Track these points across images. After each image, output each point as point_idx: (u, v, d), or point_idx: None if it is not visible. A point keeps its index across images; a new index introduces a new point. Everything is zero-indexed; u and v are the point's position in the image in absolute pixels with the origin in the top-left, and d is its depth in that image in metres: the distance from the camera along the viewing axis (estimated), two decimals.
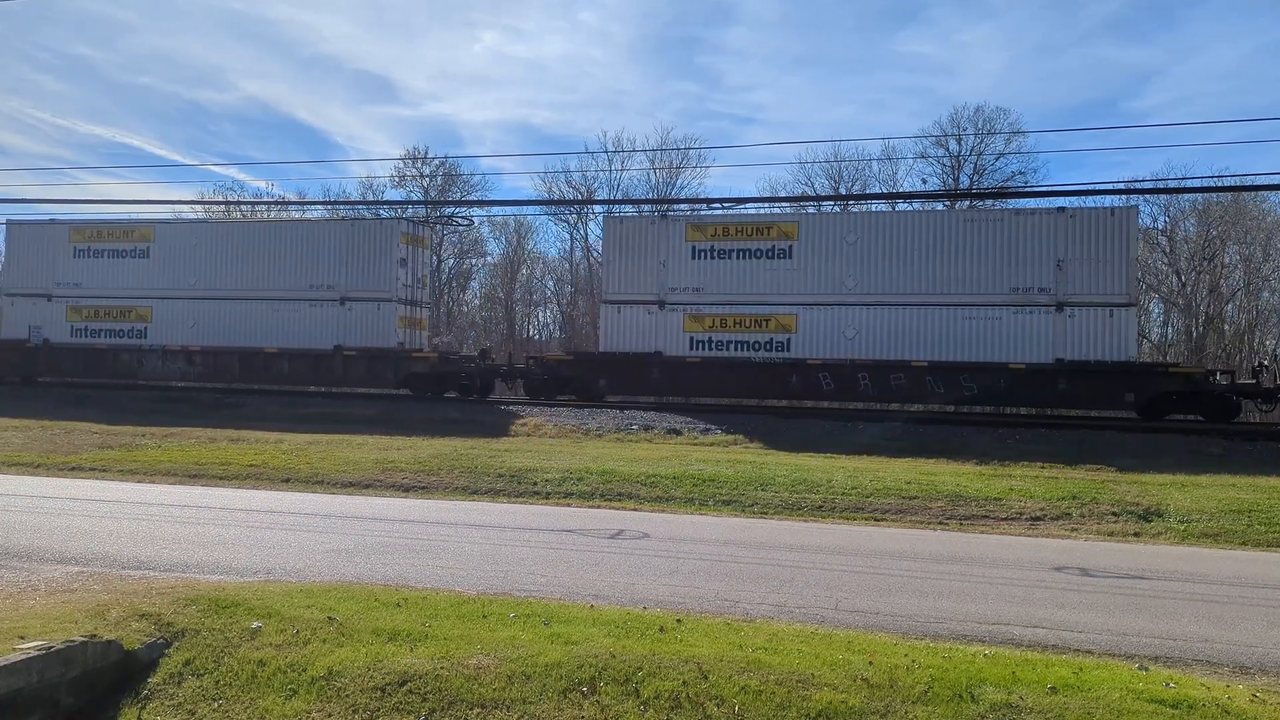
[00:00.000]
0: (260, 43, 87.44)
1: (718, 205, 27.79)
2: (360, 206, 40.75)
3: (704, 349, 23.01)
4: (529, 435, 20.30)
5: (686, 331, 23.12)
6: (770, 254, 22.63)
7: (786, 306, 22.46)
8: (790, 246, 22.45)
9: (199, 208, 43.45)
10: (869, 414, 22.39)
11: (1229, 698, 5.60)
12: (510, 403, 24.71)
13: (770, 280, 22.55)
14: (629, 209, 43.34)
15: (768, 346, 22.63)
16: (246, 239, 26.84)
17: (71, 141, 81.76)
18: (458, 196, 47.99)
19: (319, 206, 44.27)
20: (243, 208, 46.10)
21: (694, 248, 23.12)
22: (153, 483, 14.85)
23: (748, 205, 27.21)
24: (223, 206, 45.45)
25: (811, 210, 26.48)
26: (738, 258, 22.87)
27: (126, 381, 27.50)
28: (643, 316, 23.38)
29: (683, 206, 33.97)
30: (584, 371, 24.43)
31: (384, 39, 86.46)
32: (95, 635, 6.40)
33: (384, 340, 25.48)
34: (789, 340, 22.47)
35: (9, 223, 29.22)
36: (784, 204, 32.71)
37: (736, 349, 22.80)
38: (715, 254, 22.98)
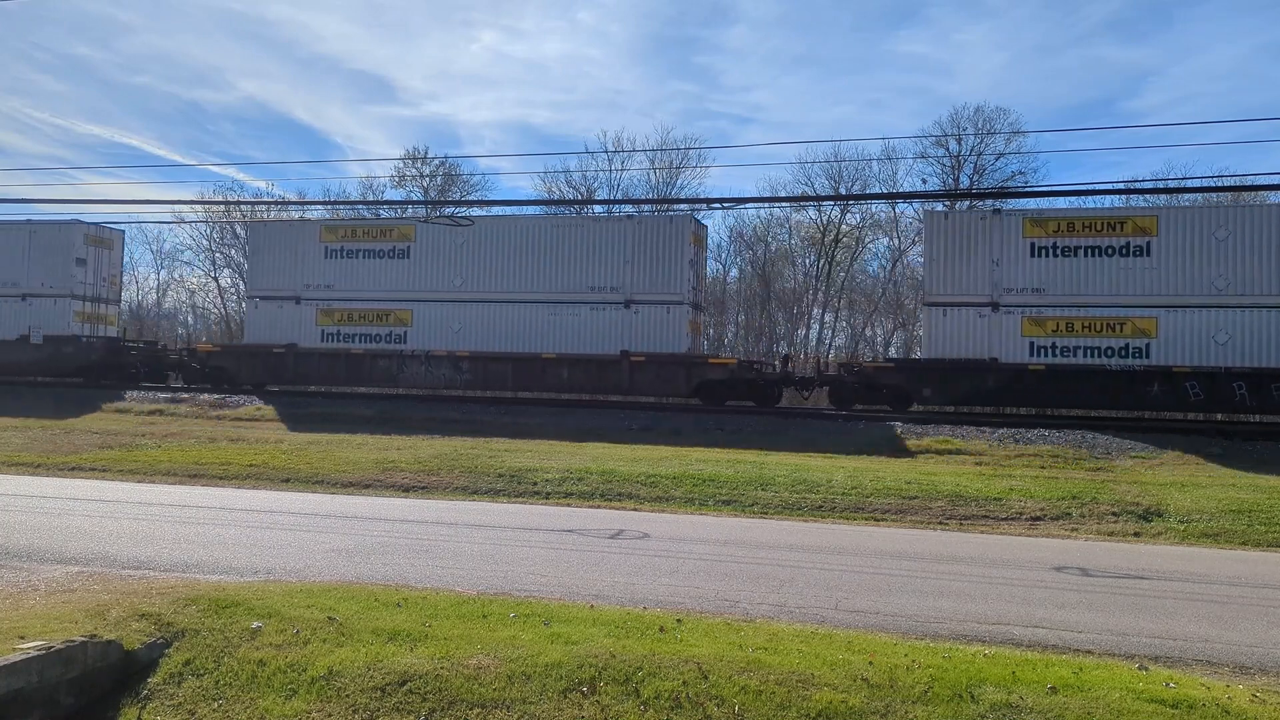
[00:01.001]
0: (258, 42, 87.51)
1: (718, 205, 27.90)
2: (360, 206, 40.76)
3: (1046, 355, 21.48)
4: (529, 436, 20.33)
5: (1025, 336, 21.56)
6: (1125, 251, 21.04)
7: (1143, 309, 20.86)
8: (1148, 243, 20.85)
9: (213, 207, 43.48)
10: (869, 414, 22.39)
11: (1229, 698, 5.60)
12: (803, 413, 23.18)
13: (1125, 280, 21.03)
14: (683, 208, 43.43)
15: (1122, 353, 21.04)
16: (518, 238, 25.04)
17: (70, 141, 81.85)
18: (458, 196, 48.03)
19: (319, 206, 44.26)
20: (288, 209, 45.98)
21: (1033, 244, 21.61)
22: (152, 483, 14.85)
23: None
24: (223, 207, 45.46)
25: (1173, 203, 25.32)
26: (1084, 255, 21.29)
27: (385, 390, 26.05)
28: (973, 319, 21.95)
29: (686, 205, 33.95)
30: (904, 379, 22.59)
31: (382, 39, 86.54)
32: (95, 635, 6.40)
33: (673, 345, 23.83)
34: (1147, 346, 20.85)
35: (252, 222, 28.13)
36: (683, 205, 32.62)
37: (1085, 355, 21.27)
38: (1058, 251, 21.55)
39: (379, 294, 25.79)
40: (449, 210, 40.34)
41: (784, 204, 44.99)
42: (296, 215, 40.91)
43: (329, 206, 42.76)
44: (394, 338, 25.65)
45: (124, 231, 31.72)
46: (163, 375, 29.41)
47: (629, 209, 39.35)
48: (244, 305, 28.24)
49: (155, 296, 52.38)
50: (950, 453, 17.86)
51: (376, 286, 25.81)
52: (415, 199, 48.19)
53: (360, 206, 40.66)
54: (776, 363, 26.02)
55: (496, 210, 34.38)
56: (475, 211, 34.76)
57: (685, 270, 23.91)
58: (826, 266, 44.70)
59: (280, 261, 26.60)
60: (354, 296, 25.98)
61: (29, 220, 28.98)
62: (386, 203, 45.20)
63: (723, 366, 23.99)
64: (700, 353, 25.19)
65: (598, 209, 42.77)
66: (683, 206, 34.21)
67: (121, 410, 23.69)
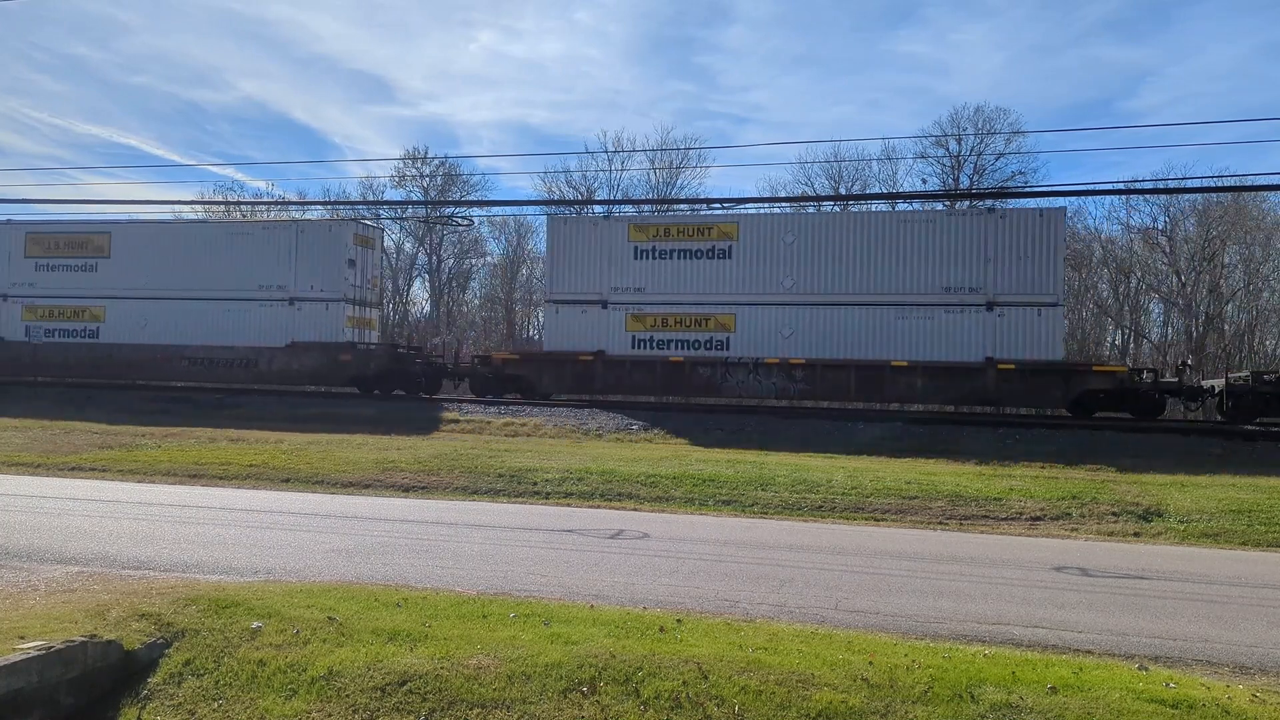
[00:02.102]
0: (257, 43, 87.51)
1: (718, 205, 27.77)
2: (360, 206, 40.74)
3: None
4: (529, 435, 20.31)
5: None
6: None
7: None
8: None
9: (210, 208, 43.45)
10: (869, 414, 22.39)
11: (1229, 698, 5.60)
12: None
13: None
14: (645, 208, 43.43)
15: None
16: (860, 235, 22.83)
17: (69, 141, 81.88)
18: (457, 196, 48.02)
19: (319, 206, 44.25)
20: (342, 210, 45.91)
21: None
22: (153, 483, 14.84)
23: (747, 205, 27.17)
24: (223, 207, 45.45)
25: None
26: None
27: (707, 400, 24.41)
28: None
29: (682, 206, 33.95)
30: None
31: (380, 39, 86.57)
32: (95, 635, 6.40)
33: (1045, 351, 21.34)
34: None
35: (550, 218, 26.16)
36: (783, 204, 32.74)
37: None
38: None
39: (696, 297, 23.69)
40: (448, 210, 40.33)
41: (784, 204, 44.96)
42: (308, 215, 40.88)
43: (329, 206, 42.75)
44: (715, 344, 23.62)
45: (383, 229, 30.42)
46: (439, 385, 27.21)
47: (343, 210, 38.49)
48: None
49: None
50: (950, 452, 17.85)
51: (693, 289, 23.74)
52: (415, 199, 48.20)
53: (360, 207, 40.64)
54: (1144, 372, 22.94)
55: (497, 210, 34.31)
56: (476, 212, 34.72)
57: (1057, 268, 21.81)
58: None
59: (583, 263, 24.46)
60: (668, 300, 23.86)
61: (295, 220, 27.61)
62: (386, 203, 45.22)
63: (1108, 375, 21.63)
64: (1080, 360, 22.72)
65: (598, 209, 42.73)
66: (682, 206, 34.19)
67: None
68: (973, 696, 5.52)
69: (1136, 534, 11.99)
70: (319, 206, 44.18)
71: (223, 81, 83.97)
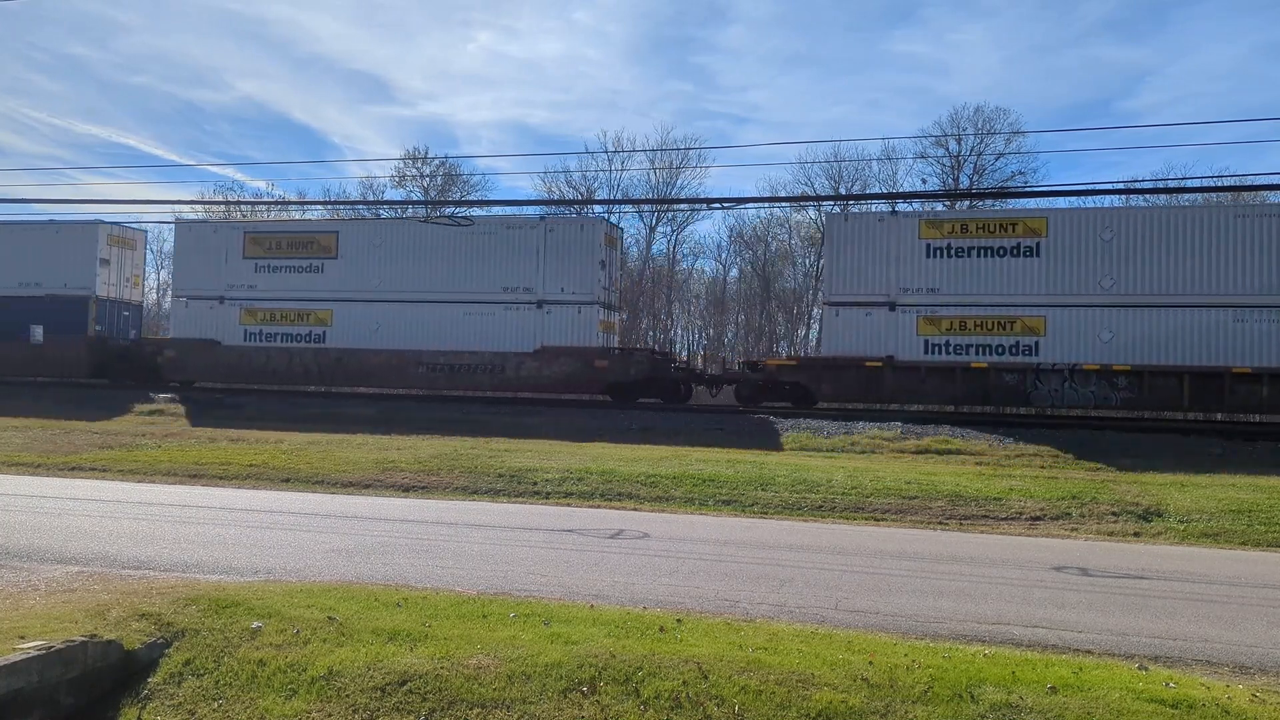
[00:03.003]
0: (256, 42, 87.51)
1: (718, 205, 27.82)
2: (360, 206, 40.75)
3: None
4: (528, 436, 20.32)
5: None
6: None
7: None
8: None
9: (224, 208, 43.46)
10: (869, 414, 22.39)
11: (1229, 698, 5.60)
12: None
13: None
14: (634, 208, 43.43)
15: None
16: (1192, 230, 20.87)
17: (67, 141, 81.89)
18: (458, 196, 48.03)
19: (319, 206, 44.27)
20: (349, 210, 45.78)
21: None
22: (153, 483, 14.85)
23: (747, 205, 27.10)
24: (223, 207, 45.47)
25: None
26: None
27: (1017, 410, 22.58)
28: None
29: (686, 205, 33.94)
30: None
31: (379, 39, 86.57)
32: (95, 635, 6.40)
33: None
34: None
35: (829, 215, 24.54)
36: (783, 204, 32.62)
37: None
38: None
39: (999, 298, 21.98)
40: (449, 210, 40.36)
41: (784, 204, 44.99)
42: (308, 214, 40.79)
43: (329, 206, 42.78)
44: (1021, 349, 21.81)
45: (622, 228, 29.28)
46: (692, 392, 25.67)
47: (343, 210, 37.95)
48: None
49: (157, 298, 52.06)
50: (950, 452, 17.86)
51: (996, 289, 22.03)
52: (416, 199, 48.21)
53: (361, 207, 40.66)
54: None
55: (497, 210, 34.30)
56: (476, 211, 34.74)
57: None
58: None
59: (867, 262, 22.75)
60: (966, 301, 22.10)
61: (543, 216, 26.01)
62: (387, 203, 45.21)
63: None
64: None
65: (597, 209, 42.74)
66: (682, 206, 34.19)
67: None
68: (973, 696, 5.52)
69: (1136, 534, 11.99)
70: (319, 206, 44.22)
71: (222, 81, 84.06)
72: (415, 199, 48.27)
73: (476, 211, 34.62)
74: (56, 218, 29.50)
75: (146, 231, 32.25)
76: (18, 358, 27.85)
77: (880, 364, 22.28)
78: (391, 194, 49.21)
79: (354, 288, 25.83)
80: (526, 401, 24.53)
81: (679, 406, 24.45)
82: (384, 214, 37.40)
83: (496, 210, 35.34)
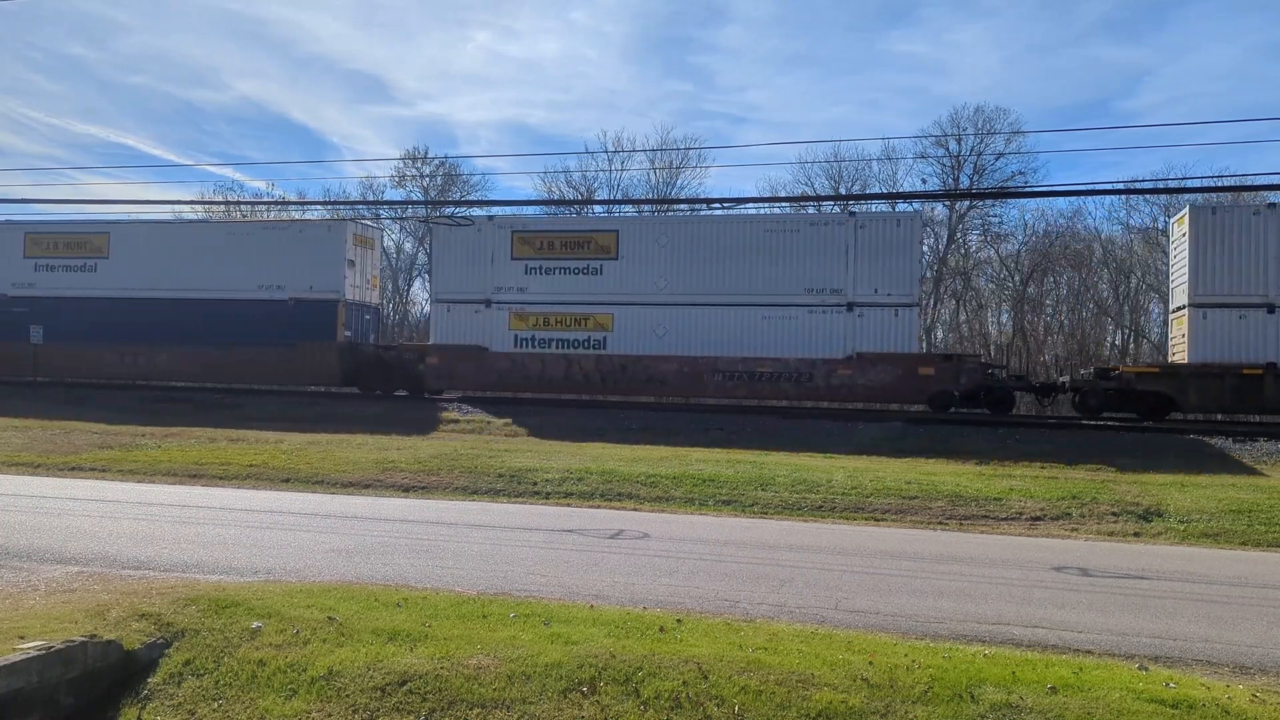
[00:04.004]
0: (254, 42, 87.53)
1: (718, 205, 27.73)
2: (360, 206, 40.74)
3: None
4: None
5: None
6: None
7: None
8: None
9: (213, 208, 43.44)
10: (869, 414, 22.38)
11: (1229, 698, 5.60)
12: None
13: None
14: (639, 209, 43.35)
15: None
16: None
17: (66, 141, 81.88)
18: (457, 196, 48.03)
19: (319, 206, 44.25)
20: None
21: None
22: (152, 483, 14.84)
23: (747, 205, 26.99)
24: (223, 207, 45.46)
25: None
26: None
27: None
28: None
29: (686, 205, 33.93)
30: None
31: (377, 39, 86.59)
32: (95, 635, 6.40)
33: None
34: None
35: (1192, 207, 21.93)
36: (783, 203, 32.65)
37: None
38: None
39: None
40: (449, 210, 40.34)
41: (784, 204, 44.97)
42: (308, 214, 40.73)
43: (329, 206, 42.75)
44: None
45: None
46: (1013, 402, 23.45)
47: (343, 210, 36.66)
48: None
49: None
50: (950, 452, 17.85)
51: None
52: (416, 199, 48.21)
53: (361, 206, 40.65)
54: None
55: (497, 210, 34.27)
56: (476, 212, 34.71)
57: None
58: None
59: (1239, 259, 20.63)
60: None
61: (852, 212, 24.05)
62: (387, 203, 45.22)
63: None
64: None
65: (598, 209, 42.75)
66: (682, 206, 34.19)
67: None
68: (973, 696, 5.52)
69: (1136, 534, 11.99)
70: (319, 206, 44.20)
71: (220, 81, 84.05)
72: (415, 199, 48.28)
73: (476, 212, 34.56)
74: (299, 217, 28.49)
75: (383, 230, 30.59)
76: (269, 363, 26.11)
77: (1260, 371, 20.28)
78: (391, 194, 49.24)
79: (636, 290, 23.86)
80: (830, 413, 22.94)
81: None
82: (384, 214, 37.37)
83: (497, 210, 35.24)
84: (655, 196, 45.88)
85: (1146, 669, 6.24)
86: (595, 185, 47.34)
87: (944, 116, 63.43)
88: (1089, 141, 65.97)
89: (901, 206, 39.85)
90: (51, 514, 11.55)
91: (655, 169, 47.12)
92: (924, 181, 43.78)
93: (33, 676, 5.82)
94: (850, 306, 22.58)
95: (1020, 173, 42.48)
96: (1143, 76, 73.16)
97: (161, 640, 6.63)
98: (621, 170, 47.20)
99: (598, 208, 42.80)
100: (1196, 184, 35.32)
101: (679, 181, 47.12)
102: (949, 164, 43.49)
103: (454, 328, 24.88)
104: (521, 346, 24.48)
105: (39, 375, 27.64)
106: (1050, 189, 46.63)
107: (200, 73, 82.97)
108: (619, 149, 48.38)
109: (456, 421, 21.74)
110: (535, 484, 14.53)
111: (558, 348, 24.28)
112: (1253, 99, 67.01)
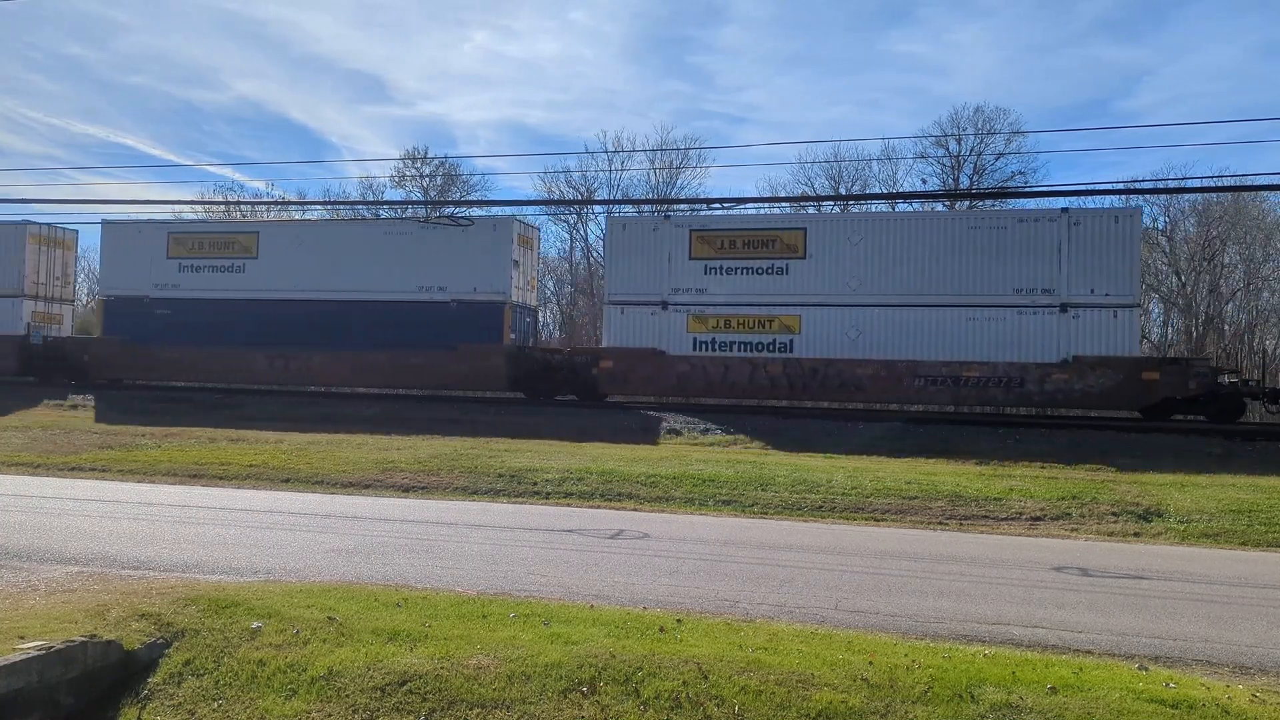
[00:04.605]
0: (252, 42, 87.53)
1: (718, 205, 27.66)
2: (360, 207, 40.76)
3: None
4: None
5: None
6: None
7: None
8: None
9: (210, 208, 43.43)
10: (869, 414, 22.36)
11: (1229, 698, 5.60)
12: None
13: None
14: (640, 208, 43.31)
15: None
16: None
17: (65, 141, 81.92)
18: (457, 196, 48.05)
19: (319, 206, 44.27)
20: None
21: None
22: (152, 483, 14.85)
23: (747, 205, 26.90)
24: (223, 207, 45.47)
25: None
26: None
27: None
28: None
29: (683, 206, 33.92)
30: None
31: (376, 39, 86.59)
32: (95, 635, 6.40)
33: None
34: None
35: None
36: (784, 204, 32.64)
37: None
38: None
39: None
40: (449, 210, 40.36)
41: (784, 204, 44.98)
42: (308, 215, 40.63)
43: (329, 206, 42.77)
44: None
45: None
46: (1242, 410, 21.61)
47: (343, 210, 35.99)
48: None
49: None
50: (950, 452, 17.85)
51: None
52: (415, 199, 48.23)
53: (360, 207, 40.66)
54: None
55: (497, 210, 34.28)
56: (476, 211, 34.70)
57: None
58: None
59: None
60: None
61: (1065, 208, 22.05)
62: (387, 203, 45.21)
63: None
64: None
65: (597, 209, 42.74)
66: (682, 207, 34.18)
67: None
68: (973, 696, 5.52)
69: (1136, 534, 11.99)
70: (318, 206, 44.21)
71: (219, 81, 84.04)
72: (415, 199, 48.30)
73: (476, 212, 34.54)
74: (462, 215, 26.93)
75: (539, 229, 29.74)
76: (430, 367, 24.90)
77: None
78: (391, 194, 49.26)
79: (826, 289, 22.53)
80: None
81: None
82: (384, 214, 37.35)
83: (496, 210, 35.21)
84: (655, 196, 45.88)
85: (1146, 669, 6.24)
86: (595, 185, 47.39)
87: (944, 116, 63.49)
88: (1088, 141, 66.03)
89: (901, 206, 39.84)
90: (51, 514, 11.55)
91: (655, 169, 47.15)
92: (924, 181, 43.78)
93: (33, 676, 5.82)
94: (1064, 307, 21.08)
95: (1020, 173, 42.48)
96: (1142, 76, 73.20)
97: (161, 640, 6.63)
98: (621, 170, 47.24)
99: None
100: (1196, 184, 35.33)
101: (679, 181, 47.17)
102: (949, 164, 43.50)
103: (628, 330, 23.71)
104: (701, 350, 23.29)
105: (175, 379, 26.99)
106: (1050, 189, 46.58)
107: (199, 72, 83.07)
108: (619, 149, 48.41)
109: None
110: (535, 484, 14.53)
111: (740, 351, 23.04)
112: (1252, 99, 67.04)
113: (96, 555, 9.36)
